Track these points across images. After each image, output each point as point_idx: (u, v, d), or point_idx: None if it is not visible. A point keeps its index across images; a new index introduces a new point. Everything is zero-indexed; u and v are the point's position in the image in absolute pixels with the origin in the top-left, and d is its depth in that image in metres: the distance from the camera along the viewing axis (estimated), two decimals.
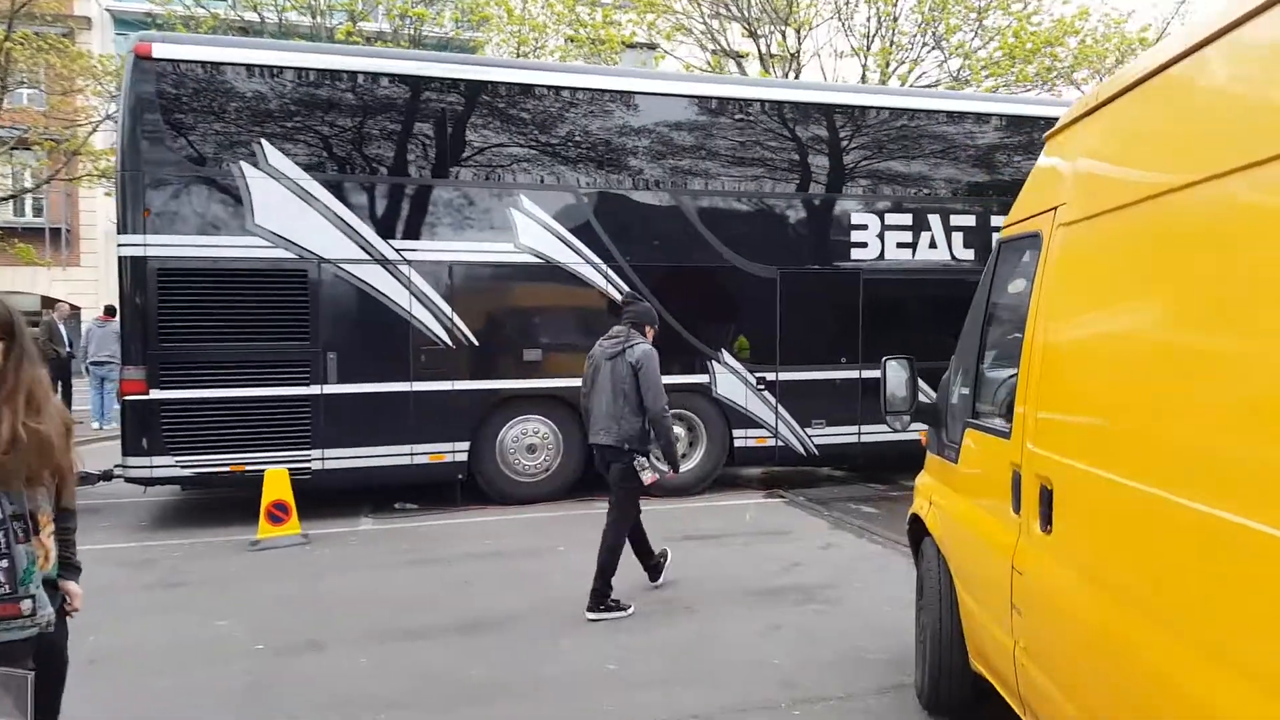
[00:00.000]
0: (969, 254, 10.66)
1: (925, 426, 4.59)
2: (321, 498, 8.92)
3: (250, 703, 4.54)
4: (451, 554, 7.38)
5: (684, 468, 9.75)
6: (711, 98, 10.00)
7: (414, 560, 7.22)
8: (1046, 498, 2.84)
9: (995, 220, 10.72)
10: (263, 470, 7.99)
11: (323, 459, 8.71)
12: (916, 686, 4.39)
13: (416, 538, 8.01)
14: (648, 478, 5.86)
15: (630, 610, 5.79)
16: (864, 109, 10.51)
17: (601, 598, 5.76)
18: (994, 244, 3.79)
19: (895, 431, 4.63)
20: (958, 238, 10.65)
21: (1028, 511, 3.01)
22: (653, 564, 6.36)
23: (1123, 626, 2.35)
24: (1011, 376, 3.36)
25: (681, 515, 8.85)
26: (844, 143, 10.48)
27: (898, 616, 5.61)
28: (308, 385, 8.66)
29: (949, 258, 10.61)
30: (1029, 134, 10.98)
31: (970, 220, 10.71)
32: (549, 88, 9.48)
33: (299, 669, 4.97)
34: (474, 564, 7.08)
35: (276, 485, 7.83)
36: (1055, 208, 3.09)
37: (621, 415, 5.78)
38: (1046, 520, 2.84)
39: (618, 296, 9.46)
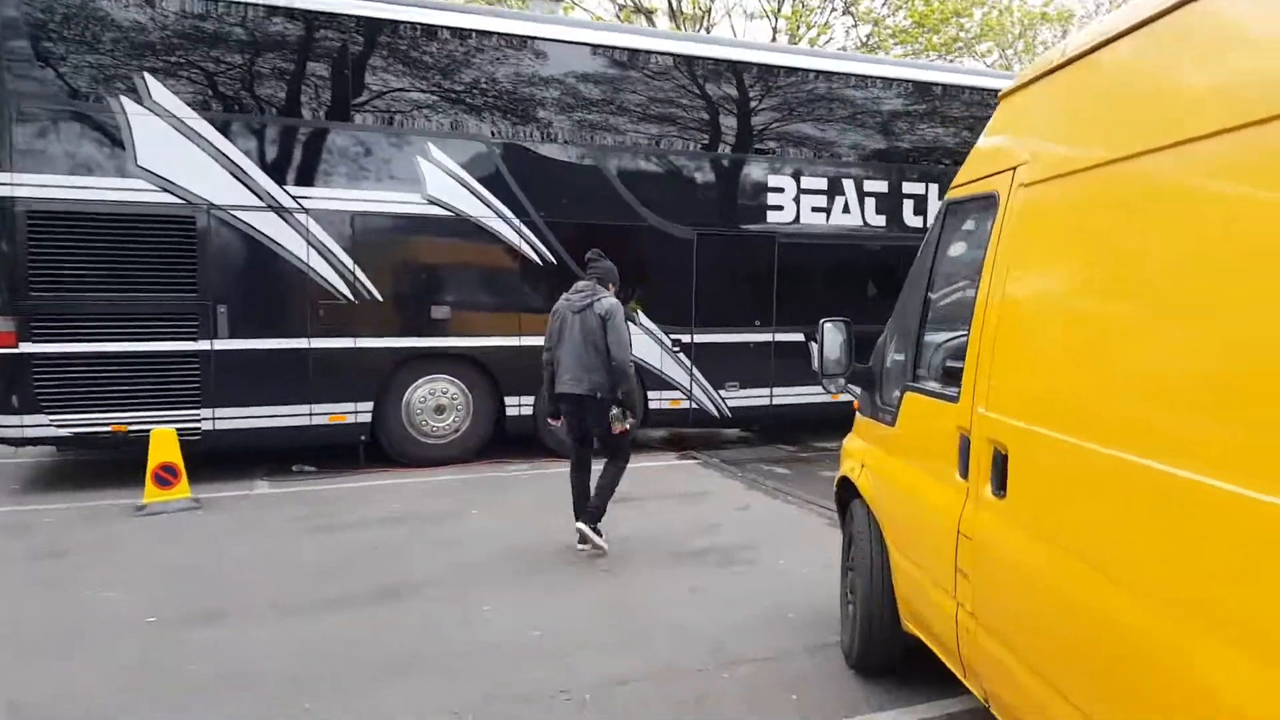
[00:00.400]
0: (880, 220, 10.73)
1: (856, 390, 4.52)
2: (213, 460, 8.43)
3: (144, 682, 4.20)
4: (356, 519, 7.06)
5: None
6: (628, 49, 9.72)
7: (316, 526, 6.88)
8: (1000, 462, 2.78)
9: (908, 187, 10.86)
10: (148, 431, 7.49)
11: (214, 419, 8.24)
12: (844, 647, 4.37)
13: (317, 502, 7.65)
14: (617, 428, 6.04)
15: (605, 547, 6.11)
16: (783, 69, 10.38)
17: (596, 516, 6.16)
18: (940, 206, 3.69)
19: (830, 394, 4.54)
20: (871, 203, 10.70)
21: (977, 476, 2.95)
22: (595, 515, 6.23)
23: (1080, 589, 2.31)
24: (959, 340, 3.30)
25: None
26: (763, 104, 10.36)
27: (817, 577, 5.63)
28: (196, 340, 8.14)
29: (862, 223, 10.66)
30: (942, 101, 11.10)
31: (883, 186, 10.76)
32: (454, 30, 9.01)
33: (197, 643, 4.64)
34: (381, 529, 6.79)
35: (163, 446, 7.33)
36: (1014, 168, 3.00)
37: (594, 366, 5.97)
38: (1000, 485, 2.78)
39: (530, 252, 9.21)
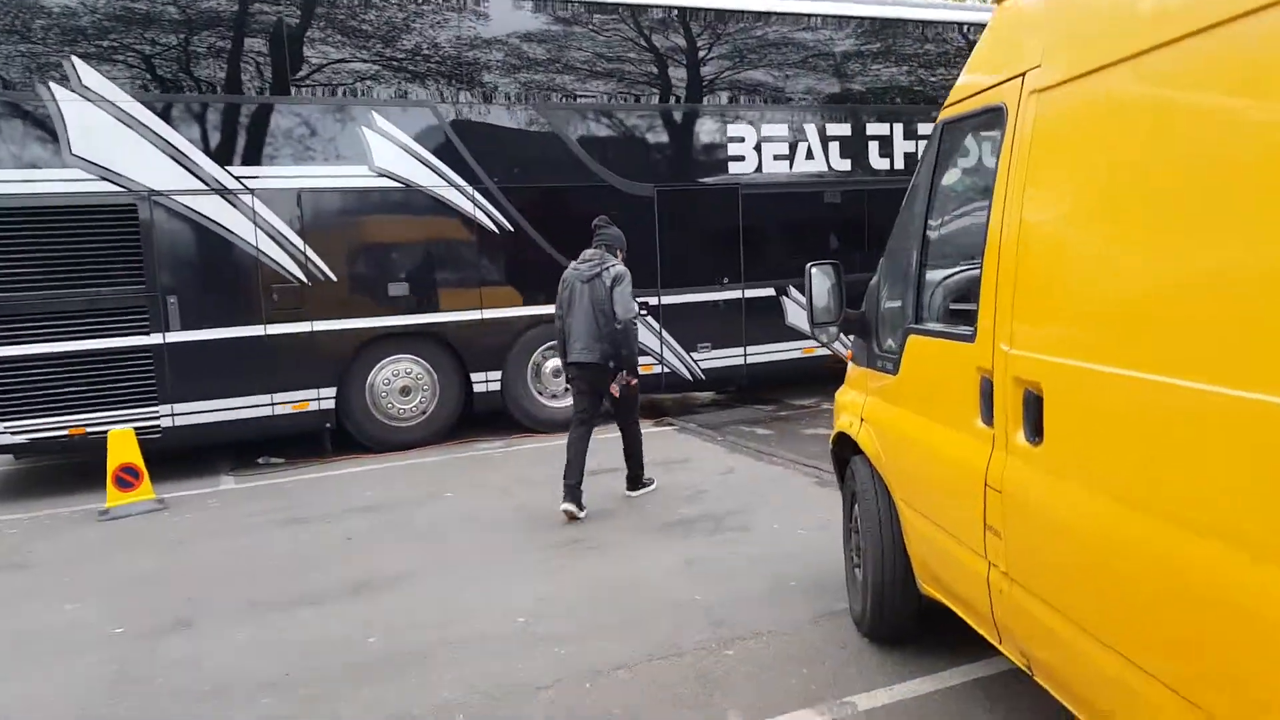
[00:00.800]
0: (845, 164, 10.49)
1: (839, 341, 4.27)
2: (175, 458, 8.06)
3: (113, 698, 3.90)
4: (328, 510, 6.74)
5: (568, 400, 9.34)
6: (571, 1, 9.31)
7: (286, 519, 6.56)
8: (1033, 404, 2.53)
9: (871, 128, 10.60)
10: (105, 432, 7.11)
11: (172, 415, 7.87)
12: (854, 614, 4.16)
13: (286, 494, 7.32)
14: (616, 389, 6.22)
15: (654, 485, 6.70)
16: (731, 13, 10.01)
17: (636, 480, 6.62)
18: (936, 127, 3.41)
19: (821, 345, 4.30)
20: (834, 148, 10.45)
21: (1005, 421, 2.70)
22: (577, 486, 6.30)
23: (1142, 539, 2.06)
24: (969, 273, 3.05)
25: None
26: (715, 51, 10.03)
27: (812, 540, 5.44)
28: (148, 334, 7.75)
29: (826, 168, 10.41)
30: (900, 38, 10.84)
31: (845, 130, 10.50)
32: None
33: (167, 652, 4.34)
34: (354, 519, 6.48)
35: (122, 447, 6.97)
36: (1023, 74, 2.72)
37: (603, 334, 6.09)
38: (1034, 430, 2.54)
39: (486, 221, 8.87)
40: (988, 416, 2.83)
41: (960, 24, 11.27)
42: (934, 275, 3.41)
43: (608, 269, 6.16)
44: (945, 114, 3.37)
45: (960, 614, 3.29)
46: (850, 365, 4.34)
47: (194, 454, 8.32)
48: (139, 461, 7.00)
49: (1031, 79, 2.69)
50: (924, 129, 10.83)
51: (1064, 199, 2.53)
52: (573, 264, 6.37)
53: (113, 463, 6.92)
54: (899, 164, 10.70)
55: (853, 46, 10.65)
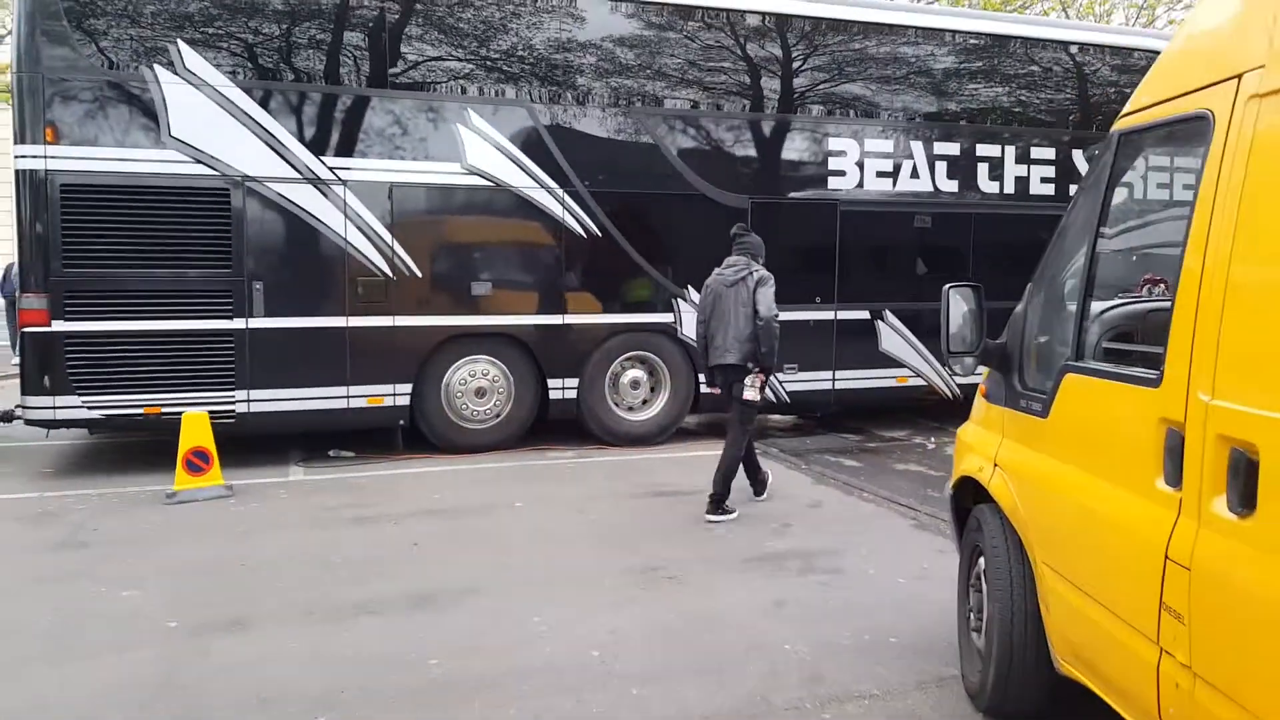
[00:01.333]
0: (953, 185, 9.95)
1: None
2: (247, 444, 7.92)
3: (156, 702, 3.66)
4: (395, 510, 6.50)
5: (645, 415, 9.04)
6: (674, 5, 8.98)
7: (353, 518, 6.33)
8: (1246, 469, 2.09)
9: (981, 149, 10.04)
10: (180, 413, 6.98)
11: (248, 401, 7.73)
12: (968, 685, 3.69)
13: (354, 490, 7.10)
14: (749, 395, 6.26)
15: (735, 514, 6.37)
16: (839, 22, 9.58)
17: (719, 502, 6.33)
18: (1110, 137, 2.97)
19: (955, 376, 3.86)
20: (941, 167, 9.92)
21: (1200, 485, 2.26)
22: (760, 479, 6.79)
23: None
24: (1150, 307, 2.61)
25: (647, 467, 8.10)
26: (820, 61, 9.61)
27: (912, 590, 4.99)
28: (231, 319, 7.64)
29: (932, 188, 9.88)
30: (1023, 57, 10.31)
31: (954, 149, 9.96)
32: None
33: (218, 656, 4.09)
34: (422, 522, 6.22)
35: (196, 430, 6.82)
36: (1238, 76, 2.29)
37: (745, 337, 6.23)
38: (1244, 500, 2.10)
39: (575, 225, 8.59)
40: (1173, 477, 2.39)
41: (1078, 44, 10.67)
42: (1103, 307, 2.96)
43: (752, 273, 6.33)
44: (1122, 124, 2.93)
45: (1110, 701, 2.82)
46: (980, 401, 3.89)
47: (265, 442, 8.18)
48: (211, 446, 6.85)
49: (1250, 82, 2.25)
50: (1036, 153, 10.27)
51: None
52: (716, 271, 6.55)
53: (184, 445, 6.78)
54: (1008, 188, 10.14)
55: (964, 64, 10.13)
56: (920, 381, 9.96)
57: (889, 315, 9.66)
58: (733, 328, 6.29)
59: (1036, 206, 10.14)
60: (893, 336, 9.80)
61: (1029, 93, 10.44)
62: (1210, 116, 2.39)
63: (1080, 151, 10.37)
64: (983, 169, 10.08)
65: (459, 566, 5.30)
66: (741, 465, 6.56)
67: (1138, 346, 2.72)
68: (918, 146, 9.82)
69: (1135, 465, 2.57)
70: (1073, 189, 10.32)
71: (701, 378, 8.87)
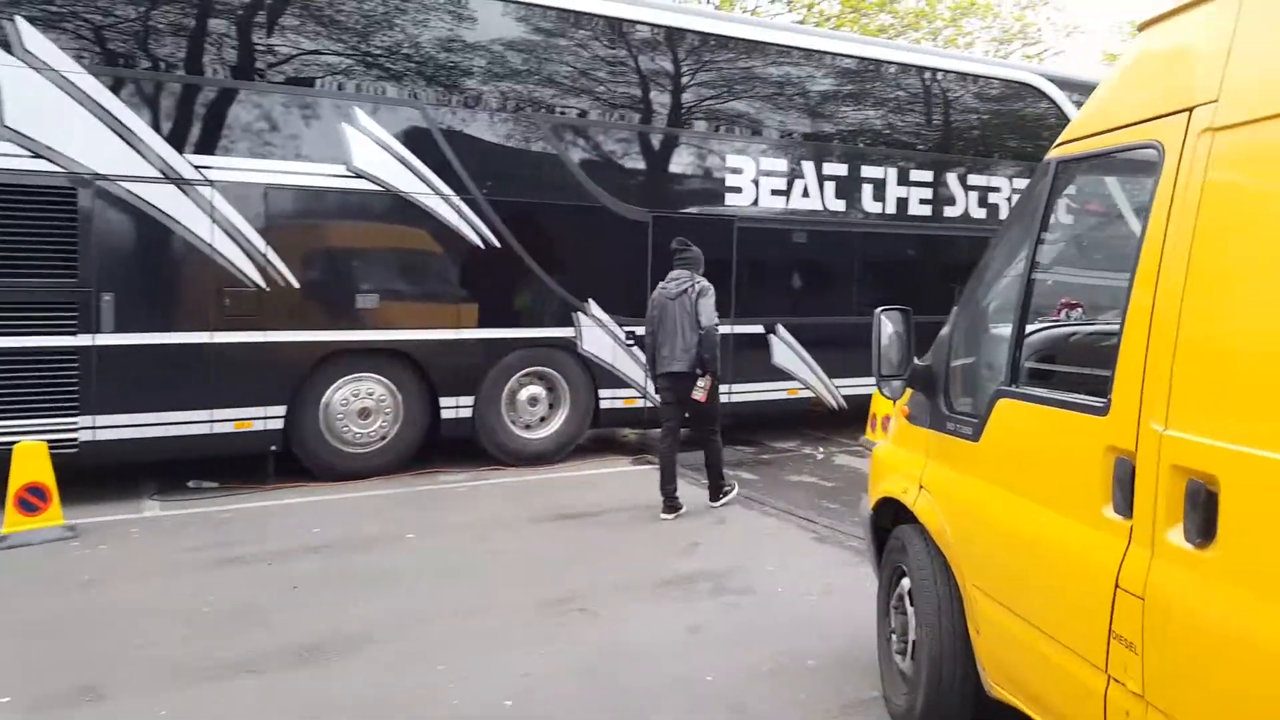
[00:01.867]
0: (840, 204, 10.05)
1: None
2: (92, 476, 7.14)
3: None
4: (270, 548, 5.95)
5: (544, 432, 8.72)
6: (569, 11, 8.71)
7: (220, 559, 5.74)
8: (1204, 501, 2.04)
9: (869, 171, 10.18)
10: (12, 443, 6.21)
11: (94, 428, 6.95)
12: (894, 708, 3.58)
13: (221, 527, 6.48)
14: (697, 395, 6.68)
15: (735, 489, 7.22)
16: (751, 42, 9.60)
17: (717, 490, 7.08)
18: (1046, 164, 2.90)
19: (887, 399, 3.71)
20: (830, 187, 10.00)
21: (1154, 516, 2.21)
22: (675, 499, 6.89)
23: None
24: (1094, 333, 2.54)
25: (547, 488, 7.77)
26: (728, 80, 9.55)
27: (821, 608, 4.91)
28: (74, 334, 6.85)
29: (820, 207, 9.95)
30: (902, 81, 10.50)
31: (842, 169, 10.06)
32: None
33: None
34: (302, 561, 5.71)
35: (31, 463, 6.05)
36: (1189, 109, 2.27)
37: (690, 346, 6.67)
38: (1202, 531, 2.05)
39: (470, 234, 8.19)
40: (1123, 506, 2.33)
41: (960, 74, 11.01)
42: (1041, 332, 2.88)
43: (694, 284, 6.76)
44: (1061, 151, 2.90)
45: None
46: (902, 422, 3.77)
47: (114, 474, 7.40)
48: (50, 481, 6.08)
49: (1203, 116, 2.23)
50: (917, 175, 10.51)
51: (1259, 256, 2.04)
52: (661, 285, 6.94)
53: (16, 481, 5.99)
54: (890, 208, 10.35)
55: (852, 86, 10.26)
56: (809, 393, 10.05)
57: (781, 329, 9.64)
58: (679, 338, 6.68)
59: (915, 226, 10.57)
60: (784, 350, 9.81)
61: (905, 117, 10.68)
62: (1160, 148, 2.36)
63: (954, 175, 10.71)
64: (867, 189, 10.25)
65: (348, 611, 4.84)
66: (661, 475, 6.88)
67: (1079, 370, 2.65)
68: (809, 166, 9.88)
69: (1080, 493, 2.50)
70: (947, 210, 10.71)
71: (606, 392, 8.85)
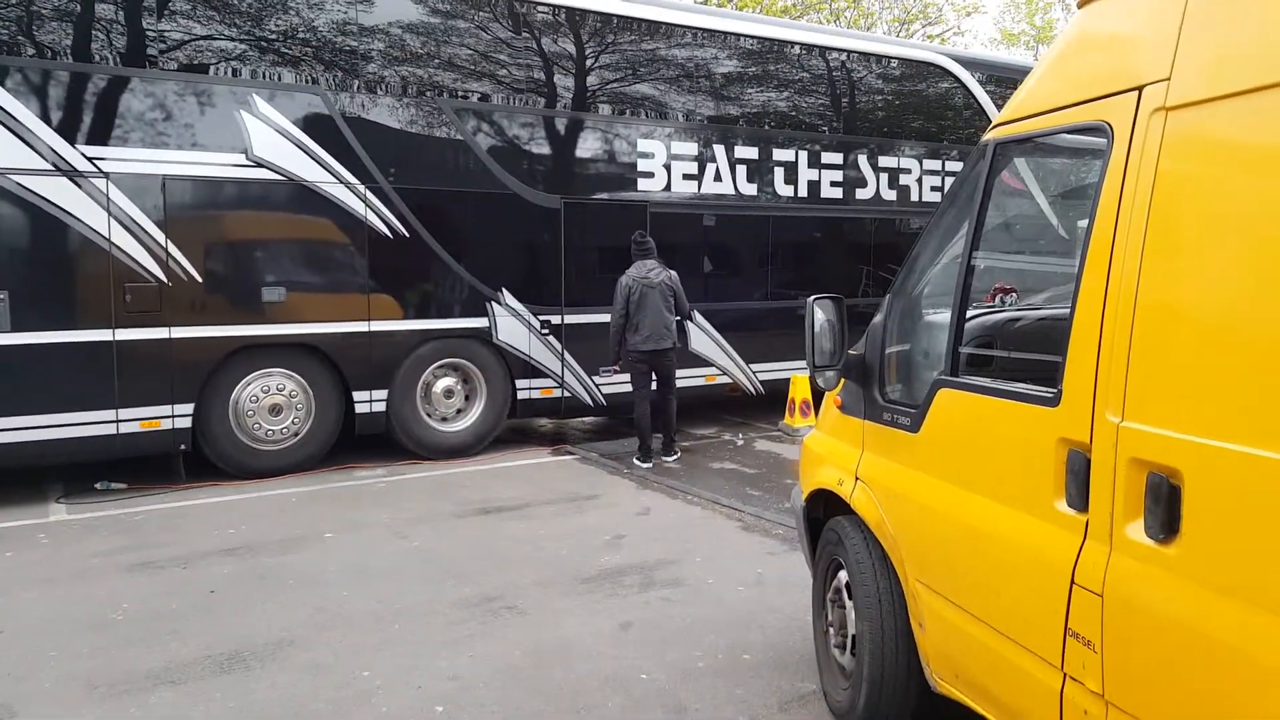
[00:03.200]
0: (752, 188, 10.12)
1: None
2: None
3: None
4: (183, 551, 5.73)
5: (461, 425, 8.60)
6: None
7: (133, 563, 5.51)
8: (1166, 495, 2.03)
9: (779, 154, 10.26)
10: None
11: None
12: (835, 704, 3.58)
13: (131, 530, 6.22)
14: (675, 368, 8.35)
15: (679, 454, 8.54)
16: (655, 24, 9.53)
17: (671, 444, 8.51)
18: (983, 146, 2.89)
19: (822, 390, 3.72)
20: (741, 171, 10.05)
21: (1111, 510, 2.19)
22: (650, 448, 8.30)
23: None
24: (1043, 320, 2.54)
25: (467, 481, 7.65)
26: (635, 62, 9.48)
27: (754, 599, 4.93)
28: None
29: (732, 191, 10.00)
30: (808, 62, 10.62)
31: (753, 153, 10.13)
32: None
33: None
34: (217, 564, 5.51)
35: None
36: (1139, 88, 2.23)
37: (670, 325, 8.08)
38: (1165, 526, 2.04)
39: (378, 224, 8.01)
40: (1078, 501, 2.31)
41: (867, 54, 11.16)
42: (981, 318, 2.89)
43: (666, 273, 8.11)
44: (1000, 133, 2.85)
45: None
46: (834, 412, 3.79)
47: (17, 477, 7.08)
48: None
49: (1153, 94, 2.20)
50: (828, 158, 10.64)
51: (1218, 240, 2.03)
52: (634, 273, 8.04)
53: None
54: (802, 191, 10.46)
55: (760, 68, 10.31)
56: (726, 379, 10.13)
57: (697, 316, 9.67)
58: (661, 318, 7.97)
59: (828, 209, 10.71)
60: (700, 337, 9.86)
61: (813, 99, 10.80)
62: (1108, 128, 2.32)
63: (864, 157, 10.88)
64: (779, 173, 10.32)
65: (267, 615, 4.69)
66: (639, 432, 8.24)
67: (1024, 357, 2.63)
68: (719, 150, 9.90)
69: (1029, 486, 2.49)
70: (859, 192, 10.90)
71: (522, 382, 8.75)
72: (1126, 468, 2.15)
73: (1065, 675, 2.34)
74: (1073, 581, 2.30)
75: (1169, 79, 2.16)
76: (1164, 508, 2.04)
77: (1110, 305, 2.23)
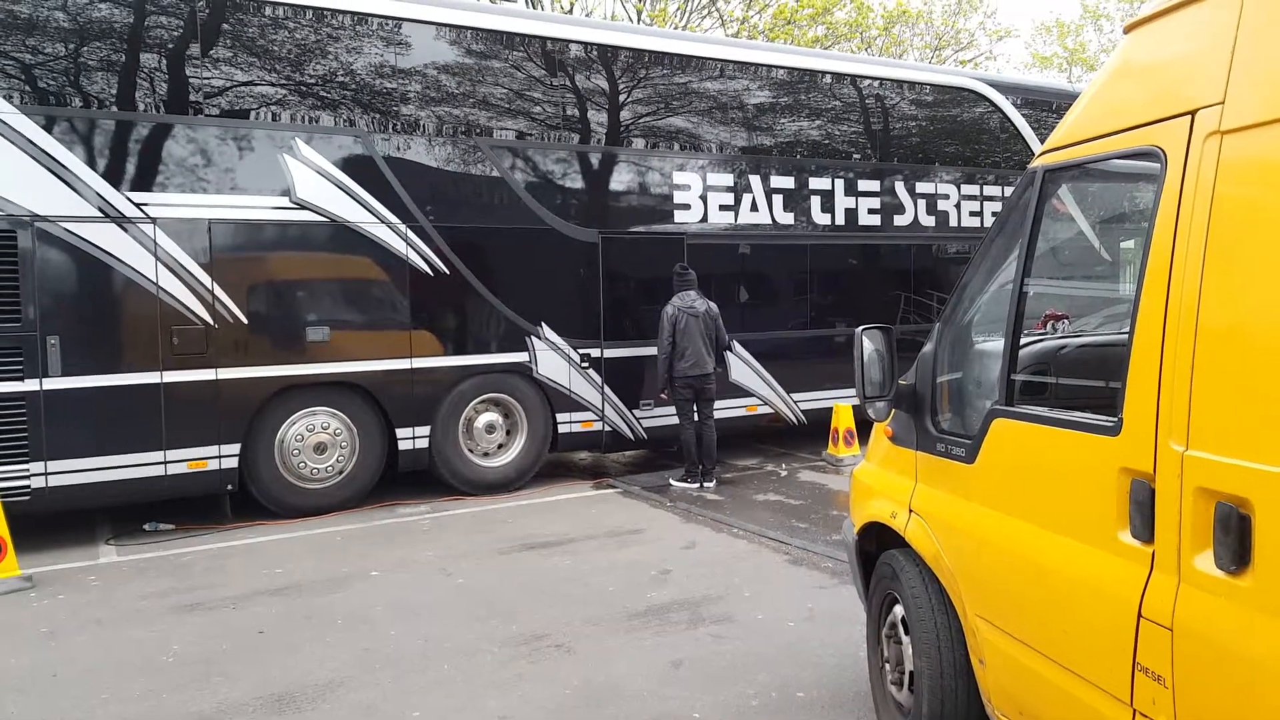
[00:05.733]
0: (789, 217, 10.10)
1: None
2: (44, 522, 6.92)
3: None
4: (232, 592, 5.77)
5: (503, 460, 8.61)
6: (522, 35, 8.70)
7: (182, 605, 5.56)
8: (1236, 525, 1.97)
9: (816, 183, 10.25)
10: None
11: (45, 474, 6.73)
12: None
13: (180, 571, 6.29)
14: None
15: (716, 482, 8.75)
16: (689, 58, 9.61)
17: (710, 470, 8.72)
18: (1032, 173, 2.86)
19: (872, 421, 3.67)
20: (778, 200, 10.05)
21: (1179, 541, 2.14)
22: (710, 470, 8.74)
23: None
24: (1097, 346, 2.49)
25: (510, 517, 7.65)
26: (668, 97, 9.54)
27: (806, 635, 4.83)
28: (21, 380, 6.63)
29: (769, 221, 9.99)
30: (850, 93, 10.63)
31: (789, 182, 10.12)
32: (319, 11, 7.76)
33: None
34: (265, 604, 5.54)
35: None
36: (1191, 112, 2.21)
37: (710, 352, 8.52)
38: (1238, 558, 1.98)
39: (419, 262, 8.08)
40: (1143, 531, 2.26)
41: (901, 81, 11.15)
42: (1034, 346, 2.84)
43: (708, 304, 8.56)
44: (1050, 159, 2.82)
45: None
46: (884, 443, 3.74)
47: (67, 518, 7.19)
48: (2, 531, 5.89)
49: (1206, 118, 2.17)
50: (864, 185, 10.60)
51: None
52: (678, 303, 8.45)
53: None
54: (839, 219, 10.43)
55: (797, 99, 10.34)
56: (768, 409, 10.05)
57: (736, 346, 9.62)
58: (705, 345, 8.43)
59: (866, 236, 10.66)
60: (741, 367, 9.81)
61: (848, 127, 10.81)
62: (1162, 154, 2.29)
63: (901, 183, 10.84)
64: (815, 201, 10.31)
65: (316, 655, 4.70)
66: (685, 453, 8.69)
67: (1082, 384, 2.59)
68: (755, 180, 9.92)
69: (1092, 517, 2.44)
70: (896, 219, 10.83)
71: (563, 416, 8.78)
72: (1193, 498, 2.09)
73: (1135, 711, 2.28)
74: (1140, 614, 2.24)
75: (1223, 103, 2.14)
76: (1234, 538, 1.98)
77: (1170, 332, 2.19)
